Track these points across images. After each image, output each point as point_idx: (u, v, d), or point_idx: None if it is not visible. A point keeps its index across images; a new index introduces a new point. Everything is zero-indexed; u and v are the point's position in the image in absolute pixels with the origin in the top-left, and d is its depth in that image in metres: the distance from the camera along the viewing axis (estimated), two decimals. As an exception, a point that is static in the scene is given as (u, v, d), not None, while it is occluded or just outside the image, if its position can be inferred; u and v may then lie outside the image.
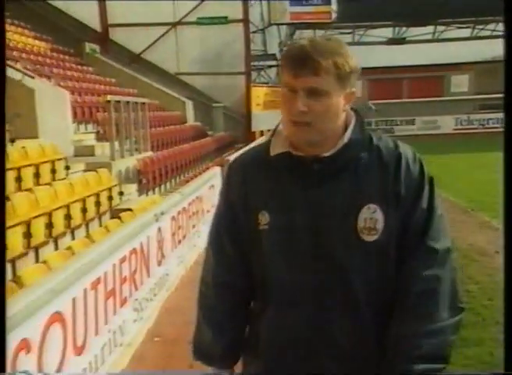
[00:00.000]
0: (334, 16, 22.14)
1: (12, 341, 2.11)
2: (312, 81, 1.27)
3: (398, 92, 23.85)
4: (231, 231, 1.43)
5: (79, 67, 14.69)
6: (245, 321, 1.47)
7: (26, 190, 4.87)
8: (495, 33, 25.91)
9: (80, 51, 16.86)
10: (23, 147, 5.67)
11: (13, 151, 5.48)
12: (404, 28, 23.74)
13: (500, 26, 25.81)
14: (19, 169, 5.27)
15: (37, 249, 4.53)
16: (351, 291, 1.32)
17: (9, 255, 3.96)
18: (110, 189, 6.20)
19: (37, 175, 5.61)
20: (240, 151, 1.36)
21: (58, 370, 2.59)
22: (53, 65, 12.45)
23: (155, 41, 18.79)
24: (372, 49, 23.36)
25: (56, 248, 4.84)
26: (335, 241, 1.31)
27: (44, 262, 3.90)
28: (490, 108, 22.92)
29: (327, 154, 1.33)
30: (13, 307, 2.16)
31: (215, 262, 1.46)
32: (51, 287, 2.55)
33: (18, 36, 13.18)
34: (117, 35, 18.82)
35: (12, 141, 6.26)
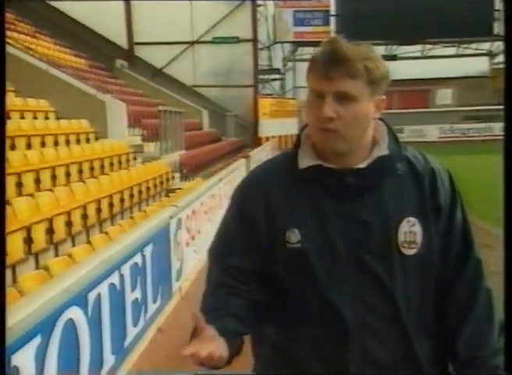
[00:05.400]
0: (333, 35, 24.96)
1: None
2: (344, 85, 1.20)
3: (388, 104, 26.29)
4: (244, 247, 1.29)
5: (113, 80, 17.17)
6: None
7: (123, 169, 7.48)
8: (477, 51, 28.69)
9: (111, 66, 19.32)
10: (110, 143, 8.25)
11: (105, 146, 8.06)
12: (395, 46, 26.41)
13: (482, 46, 28.59)
14: (111, 157, 7.84)
15: (131, 208, 7.07)
16: (393, 306, 1.26)
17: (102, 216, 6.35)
18: (167, 173, 8.78)
19: (119, 162, 8.17)
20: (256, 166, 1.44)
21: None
22: (94, 79, 14.87)
23: (175, 58, 21.47)
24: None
25: (139, 209, 7.35)
26: (375, 255, 1.26)
27: (145, 211, 6.42)
28: (472, 119, 25.65)
29: (361, 166, 1.26)
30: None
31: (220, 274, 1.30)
32: (178, 207, 5.09)
33: (62, 54, 15.57)
34: (141, 52, 21.43)
35: (97, 139, 8.83)
